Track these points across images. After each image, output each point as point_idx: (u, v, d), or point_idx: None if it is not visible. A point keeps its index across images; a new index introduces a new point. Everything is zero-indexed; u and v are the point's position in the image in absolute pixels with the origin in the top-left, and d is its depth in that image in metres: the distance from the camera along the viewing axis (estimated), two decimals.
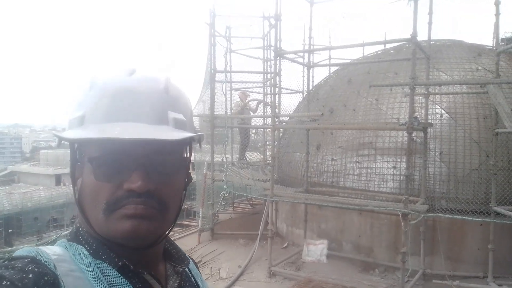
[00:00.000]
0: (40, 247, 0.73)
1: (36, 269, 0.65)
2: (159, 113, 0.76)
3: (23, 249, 0.72)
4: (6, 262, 0.67)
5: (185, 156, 0.86)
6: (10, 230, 27.07)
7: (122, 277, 0.74)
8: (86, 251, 0.76)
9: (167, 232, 0.85)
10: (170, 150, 0.78)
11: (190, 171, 0.90)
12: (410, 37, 5.79)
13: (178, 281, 0.87)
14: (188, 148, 0.87)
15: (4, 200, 27.89)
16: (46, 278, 0.64)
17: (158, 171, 0.76)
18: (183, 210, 24.93)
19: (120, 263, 0.75)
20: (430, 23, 6.96)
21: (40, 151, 47.00)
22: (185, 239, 9.31)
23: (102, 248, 0.77)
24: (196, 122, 10.84)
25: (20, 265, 0.65)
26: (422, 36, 6.76)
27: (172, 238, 8.89)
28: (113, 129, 0.71)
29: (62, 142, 0.76)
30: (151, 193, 0.75)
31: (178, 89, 0.83)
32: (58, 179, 34.67)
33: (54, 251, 0.74)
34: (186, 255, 0.95)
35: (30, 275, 0.63)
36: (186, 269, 0.94)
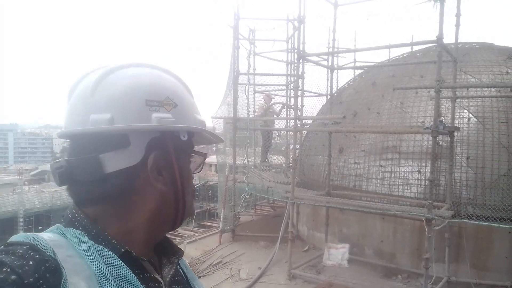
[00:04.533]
0: (36, 233, 0.71)
1: (37, 256, 0.63)
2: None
3: (19, 235, 0.70)
4: (3, 247, 0.65)
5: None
6: (40, 227, 27.97)
7: (123, 263, 0.73)
8: (85, 236, 0.74)
9: None
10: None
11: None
12: (436, 39, 5.69)
13: (173, 270, 0.88)
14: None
15: (35, 199, 28.79)
16: (47, 265, 0.63)
17: None
18: (205, 211, 25.01)
19: (122, 250, 0.75)
20: (457, 25, 6.79)
21: None
22: (206, 240, 9.41)
23: (102, 234, 0.76)
24: (220, 124, 11.03)
25: (20, 251, 0.63)
26: (450, 39, 6.63)
27: (194, 239, 8.97)
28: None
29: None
30: None
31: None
32: None
33: (49, 236, 0.72)
34: (179, 246, 0.96)
35: (31, 262, 0.62)
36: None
